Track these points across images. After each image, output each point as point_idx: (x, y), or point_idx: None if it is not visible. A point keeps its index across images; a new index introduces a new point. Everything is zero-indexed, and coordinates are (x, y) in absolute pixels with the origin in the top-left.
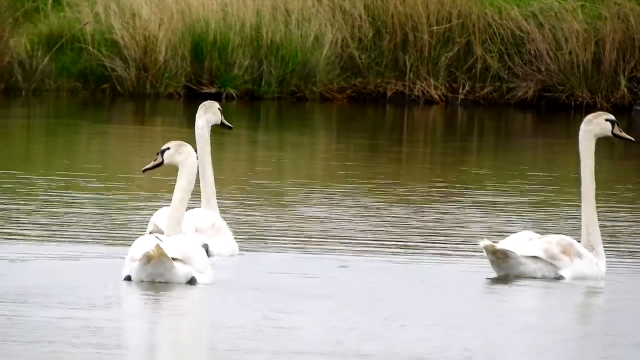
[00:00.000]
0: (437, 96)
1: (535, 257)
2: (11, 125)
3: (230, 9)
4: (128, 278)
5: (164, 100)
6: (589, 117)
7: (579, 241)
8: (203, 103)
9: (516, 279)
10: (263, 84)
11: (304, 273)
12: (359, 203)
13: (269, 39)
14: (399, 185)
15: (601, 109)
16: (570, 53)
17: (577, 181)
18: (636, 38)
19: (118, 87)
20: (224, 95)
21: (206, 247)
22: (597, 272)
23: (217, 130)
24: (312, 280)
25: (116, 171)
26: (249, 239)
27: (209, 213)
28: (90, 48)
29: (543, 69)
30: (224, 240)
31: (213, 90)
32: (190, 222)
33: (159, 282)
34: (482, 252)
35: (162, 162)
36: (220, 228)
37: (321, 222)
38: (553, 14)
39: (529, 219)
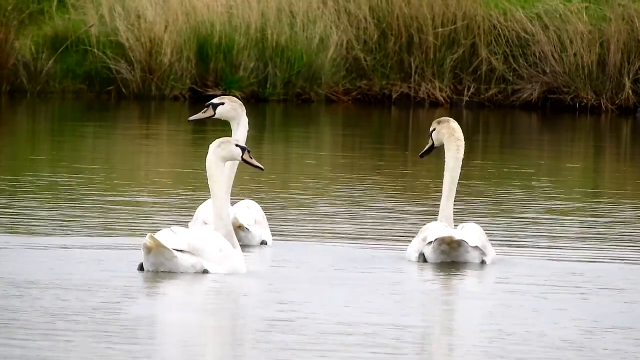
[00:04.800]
0: (442, 98)
1: (476, 247)
2: (17, 127)
3: (235, 10)
4: (141, 268)
5: (169, 103)
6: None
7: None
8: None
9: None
10: (268, 86)
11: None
12: (357, 197)
13: (274, 41)
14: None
15: (606, 111)
16: (575, 55)
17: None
18: None
19: (123, 89)
20: None
21: (265, 242)
22: None
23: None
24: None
25: (122, 170)
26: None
27: (257, 205)
28: (95, 50)
29: (548, 71)
30: (268, 231)
31: (218, 92)
32: (249, 214)
33: (170, 272)
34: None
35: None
36: (264, 219)
37: (333, 217)
38: (558, 16)
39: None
